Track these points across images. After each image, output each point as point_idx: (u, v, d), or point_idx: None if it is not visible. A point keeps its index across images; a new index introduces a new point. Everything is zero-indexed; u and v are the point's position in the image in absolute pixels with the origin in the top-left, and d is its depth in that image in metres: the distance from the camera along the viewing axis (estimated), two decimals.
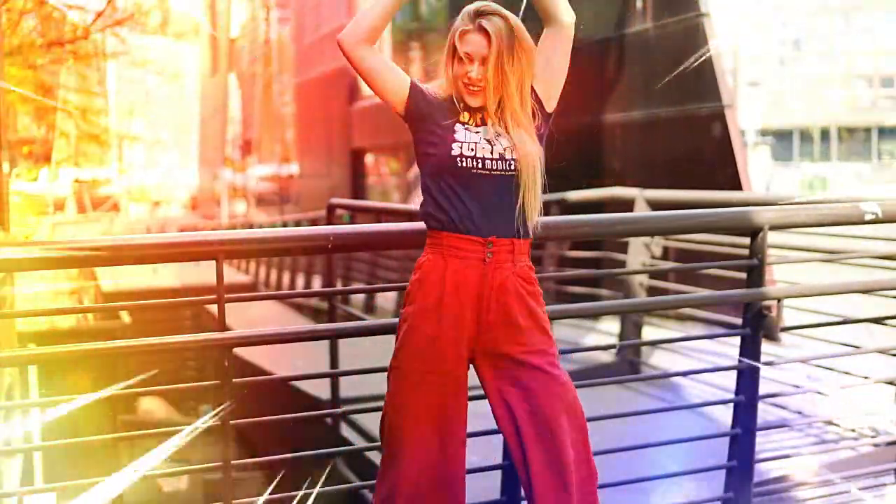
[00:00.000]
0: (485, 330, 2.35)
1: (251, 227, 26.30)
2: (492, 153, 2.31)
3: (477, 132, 2.34)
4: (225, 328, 2.76)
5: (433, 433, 2.36)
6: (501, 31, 2.32)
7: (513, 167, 2.31)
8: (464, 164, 2.31)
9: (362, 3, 24.35)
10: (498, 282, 2.33)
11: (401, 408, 2.39)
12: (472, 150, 2.31)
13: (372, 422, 4.92)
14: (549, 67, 2.43)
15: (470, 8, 2.38)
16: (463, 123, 2.36)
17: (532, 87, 2.39)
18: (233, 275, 16.31)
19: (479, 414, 2.54)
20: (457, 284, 2.33)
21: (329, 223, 5.79)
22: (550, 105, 2.45)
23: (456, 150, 2.31)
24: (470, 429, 2.47)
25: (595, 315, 6.69)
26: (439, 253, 2.35)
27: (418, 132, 2.40)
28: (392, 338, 2.58)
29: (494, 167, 2.31)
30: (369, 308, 10.25)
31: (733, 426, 3.45)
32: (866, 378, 4.28)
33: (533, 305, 2.36)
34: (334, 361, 4.82)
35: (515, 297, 2.34)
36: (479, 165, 2.31)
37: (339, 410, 4.19)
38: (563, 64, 2.46)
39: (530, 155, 2.32)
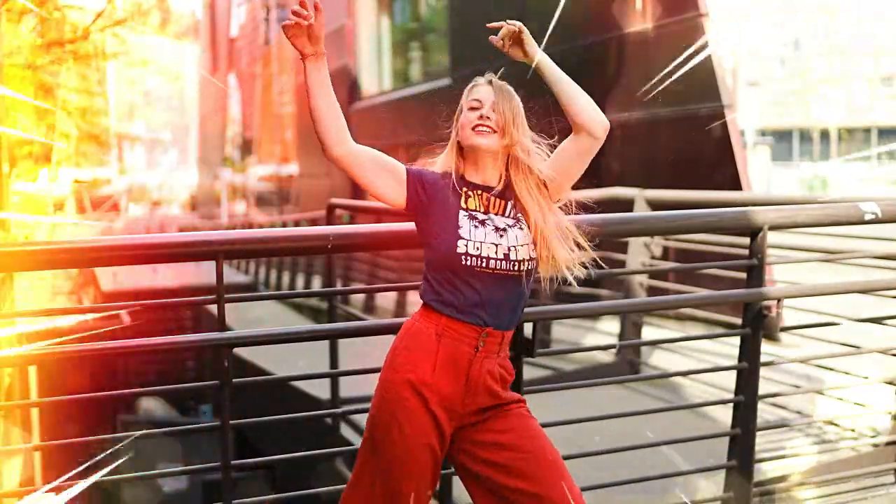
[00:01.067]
0: (467, 412, 2.36)
1: (251, 227, 26.30)
2: (496, 252, 2.31)
3: (483, 221, 2.35)
4: (225, 328, 2.76)
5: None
6: (510, 91, 2.41)
7: (517, 267, 2.32)
8: (468, 262, 2.31)
9: (361, 2, 24.35)
10: (485, 370, 2.36)
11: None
12: (478, 248, 2.31)
13: None
14: (563, 172, 2.45)
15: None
16: (467, 211, 2.35)
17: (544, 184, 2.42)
18: (232, 275, 16.31)
19: None
20: (447, 364, 2.34)
21: (329, 223, 5.79)
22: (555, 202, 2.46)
23: (461, 248, 2.31)
24: None
25: (595, 315, 6.70)
26: (433, 326, 2.35)
27: (421, 224, 2.42)
28: (391, 338, 2.58)
29: (499, 267, 2.31)
30: (369, 308, 10.25)
31: (733, 426, 3.45)
32: (866, 378, 4.28)
33: (501, 389, 2.40)
34: (334, 362, 4.82)
35: (499, 383, 2.38)
36: (484, 265, 2.31)
37: (338, 410, 4.19)
38: (579, 173, 2.48)
39: (546, 226, 2.37)
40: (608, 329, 7.18)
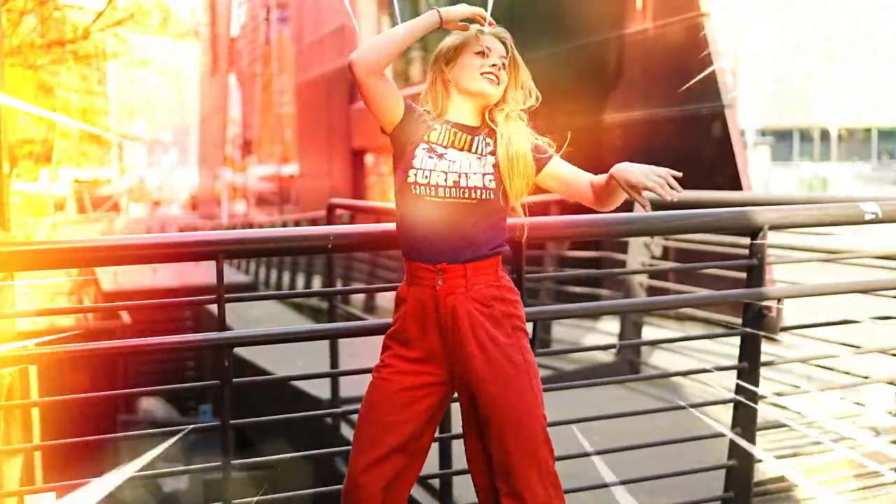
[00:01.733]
0: (450, 353, 2.36)
1: (251, 226, 26.30)
2: (445, 180, 2.31)
3: (441, 155, 2.35)
4: (225, 328, 2.76)
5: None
6: (514, 48, 2.45)
7: (467, 195, 2.30)
8: (416, 191, 2.32)
9: (362, 3, 24.35)
10: (450, 308, 2.33)
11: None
12: (426, 177, 2.31)
13: None
14: (551, 177, 2.46)
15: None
16: (428, 143, 2.37)
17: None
18: (232, 275, 16.31)
19: None
20: (415, 310, 2.36)
21: (329, 223, 5.80)
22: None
23: (411, 178, 2.33)
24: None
25: (595, 315, 6.70)
26: (407, 276, 2.42)
27: (395, 148, 2.43)
28: None
29: (448, 195, 2.30)
30: (369, 308, 10.25)
31: (733, 426, 3.45)
32: (866, 378, 4.28)
33: (492, 331, 2.33)
34: (334, 361, 4.82)
35: (468, 323, 2.32)
36: (432, 193, 2.31)
37: (339, 410, 4.19)
38: (550, 190, 2.52)
39: (517, 148, 2.36)
40: (608, 329, 7.18)
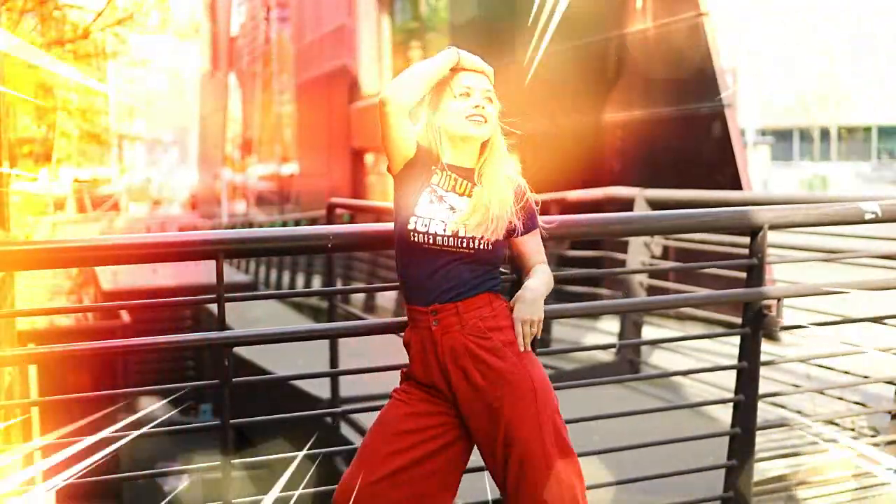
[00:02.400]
0: (455, 390, 2.34)
1: (251, 226, 26.29)
2: (444, 229, 2.30)
3: (441, 197, 2.35)
4: (225, 327, 2.77)
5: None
6: (492, 79, 2.45)
7: (464, 244, 2.30)
8: (416, 238, 2.32)
9: (362, 2, 24.34)
10: (448, 347, 2.32)
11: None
12: (426, 225, 2.31)
13: (371, 421, 4.94)
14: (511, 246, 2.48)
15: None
16: (430, 186, 2.36)
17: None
18: (232, 274, 16.31)
19: None
20: (417, 353, 2.38)
21: (329, 223, 5.79)
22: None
23: (412, 225, 2.32)
24: None
25: (595, 314, 6.70)
26: (409, 320, 2.44)
27: (398, 188, 2.42)
28: (391, 337, 2.58)
29: (446, 243, 2.31)
30: (369, 307, 10.25)
31: (733, 425, 3.45)
32: (866, 377, 4.28)
33: (491, 361, 2.31)
34: (334, 361, 4.83)
35: (468, 358, 2.31)
36: (430, 241, 2.31)
37: (338, 410, 4.19)
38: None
39: (501, 203, 2.35)
40: (608, 328, 7.18)
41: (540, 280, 2.40)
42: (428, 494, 2.33)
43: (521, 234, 2.42)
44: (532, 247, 2.46)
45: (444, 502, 2.36)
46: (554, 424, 2.31)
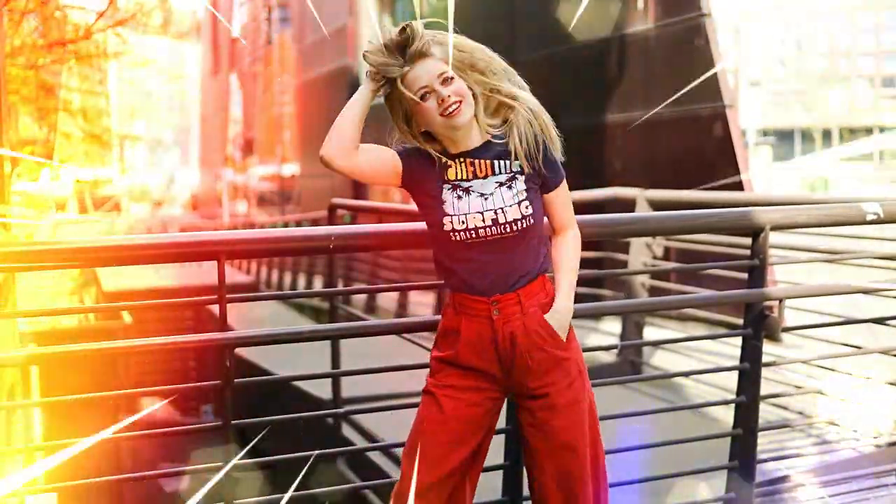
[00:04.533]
0: (509, 375, 2.35)
1: (252, 227, 26.28)
2: (483, 220, 2.26)
3: (468, 189, 2.28)
4: (226, 328, 2.76)
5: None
6: (443, 37, 2.28)
7: (508, 229, 2.26)
8: (457, 237, 2.28)
9: (363, 2, 24.34)
10: (508, 333, 2.31)
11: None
12: (464, 222, 2.26)
13: (373, 422, 4.94)
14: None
15: (382, 46, 2.31)
16: (450, 183, 2.30)
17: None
18: (234, 275, 16.31)
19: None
20: (470, 341, 2.33)
21: (330, 223, 5.79)
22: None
23: (448, 226, 2.27)
24: None
25: (596, 315, 6.69)
26: (454, 307, 2.37)
27: (415, 198, 2.38)
28: (392, 338, 2.58)
29: (489, 233, 2.26)
30: (370, 308, 10.25)
31: (735, 426, 3.45)
32: (868, 378, 4.27)
33: (549, 348, 2.34)
34: (335, 362, 4.82)
35: (528, 345, 2.32)
36: (473, 236, 2.27)
37: (340, 411, 4.18)
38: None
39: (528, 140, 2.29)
40: (610, 329, 7.17)
41: (566, 296, 2.37)
42: (474, 472, 2.42)
43: (549, 190, 2.36)
44: (559, 204, 2.39)
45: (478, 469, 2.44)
46: (592, 410, 2.41)
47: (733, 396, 3.46)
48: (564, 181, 2.39)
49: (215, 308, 2.77)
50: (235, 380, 2.78)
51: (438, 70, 2.25)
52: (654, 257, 6.39)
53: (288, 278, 14.31)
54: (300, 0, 33.08)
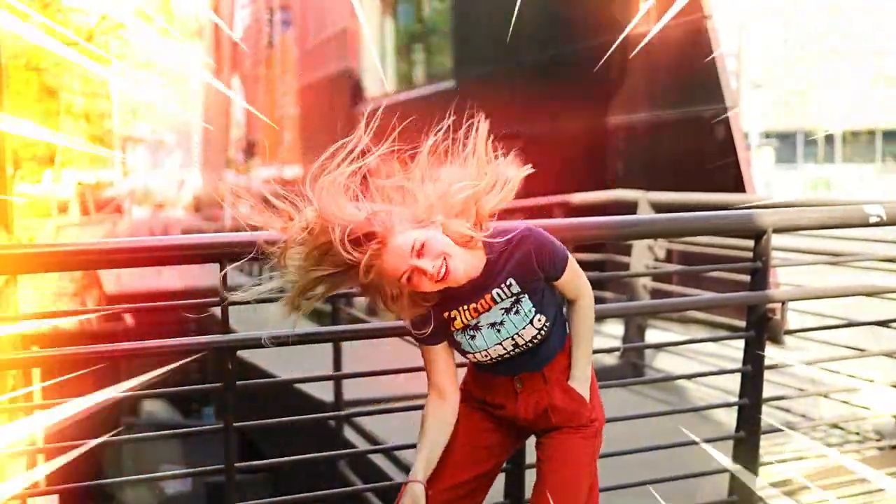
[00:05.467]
0: (524, 423, 2.36)
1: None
2: (504, 348, 2.23)
3: (477, 326, 2.22)
4: (228, 331, 2.76)
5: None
6: (398, 216, 2.04)
7: (529, 344, 2.22)
8: (486, 365, 2.28)
9: (365, 5, 24.34)
10: (533, 403, 2.31)
11: None
12: (486, 355, 2.24)
13: (374, 425, 4.94)
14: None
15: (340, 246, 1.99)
16: (459, 331, 2.24)
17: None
18: (235, 277, 16.29)
19: None
20: (494, 403, 2.34)
21: None
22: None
23: (471, 358, 2.28)
24: None
25: (598, 318, 6.68)
26: (473, 376, 2.37)
27: None
28: (395, 340, 2.57)
29: (511, 353, 2.25)
30: (372, 310, 10.23)
31: (737, 429, 3.44)
32: (871, 381, 4.27)
33: (570, 406, 2.32)
34: (338, 364, 4.82)
35: (549, 405, 2.31)
36: (497, 360, 2.26)
37: (342, 413, 4.18)
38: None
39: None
40: (611, 331, 7.16)
41: (584, 366, 2.33)
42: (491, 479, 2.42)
43: (556, 279, 2.26)
44: (567, 282, 2.28)
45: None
46: (592, 463, 2.37)
47: (736, 399, 3.46)
48: (569, 260, 2.26)
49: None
50: (237, 382, 2.78)
51: (408, 247, 2.01)
52: (657, 259, 6.38)
53: None
54: (302, 2, 33.10)
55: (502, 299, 2.19)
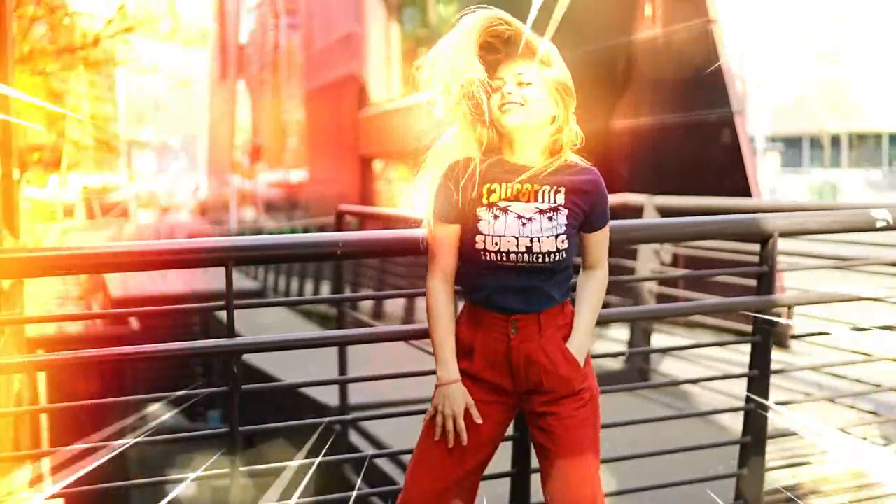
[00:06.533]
0: (520, 392, 2.33)
1: (260, 233, 26.33)
2: (517, 245, 2.21)
3: (505, 209, 2.24)
4: (234, 334, 2.76)
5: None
6: (535, 48, 2.24)
7: (540, 259, 2.22)
8: (487, 258, 2.24)
9: (370, 10, 24.40)
10: (524, 354, 2.29)
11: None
12: (496, 244, 2.22)
13: (379, 428, 4.94)
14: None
15: (477, 24, 2.23)
16: (488, 201, 2.25)
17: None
18: (241, 281, 16.33)
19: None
20: (485, 355, 2.32)
21: (338, 229, 5.79)
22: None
23: (479, 244, 2.23)
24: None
25: (604, 322, 6.68)
26: (469, 321, 2.35)
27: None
28: (400, 344, 2.57)
29: (520, 259, 2.22)
30: (377, 314, 10.25)
31: (744, 434, 3.43)
32: (878, 386, 4.26)
33: (563, 369, 2.31)
34: (343, 368, 4.82)
35: (542, 364, 2.29)
36: (504, 259, 2.23)
37: (347, 417, 4.18)
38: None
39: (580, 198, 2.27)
40: (617, 336, 7.16)
41: (585, 332, 2.35)
42: (477, 480, 2.40)
43: (591, 231, 2.34)
44: (596, 244, 2.37)
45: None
46: (596, 436, 2.36)
47: (742, 404, 3.45)
48: (608, 226, 2.37)
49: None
50: (243, 386, 2.78)
51: (519, 70, 2.24)
52: (662, 264, 6.37)
53: (295, 284, 14.33)
54: (308, 7, 33.18)
55: (544, 199, 2.24)
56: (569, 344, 2.32)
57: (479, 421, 2.30)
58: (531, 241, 2.22)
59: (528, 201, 2.24)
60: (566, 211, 2.25)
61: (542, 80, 2.25)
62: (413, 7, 23.90)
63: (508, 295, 2.27)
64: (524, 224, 2.23)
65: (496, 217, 2.23)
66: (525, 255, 2.22)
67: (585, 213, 2.28)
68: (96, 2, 16.13)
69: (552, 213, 2.24)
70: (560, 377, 2.30)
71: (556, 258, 2.23)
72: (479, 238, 2.23)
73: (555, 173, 2.27)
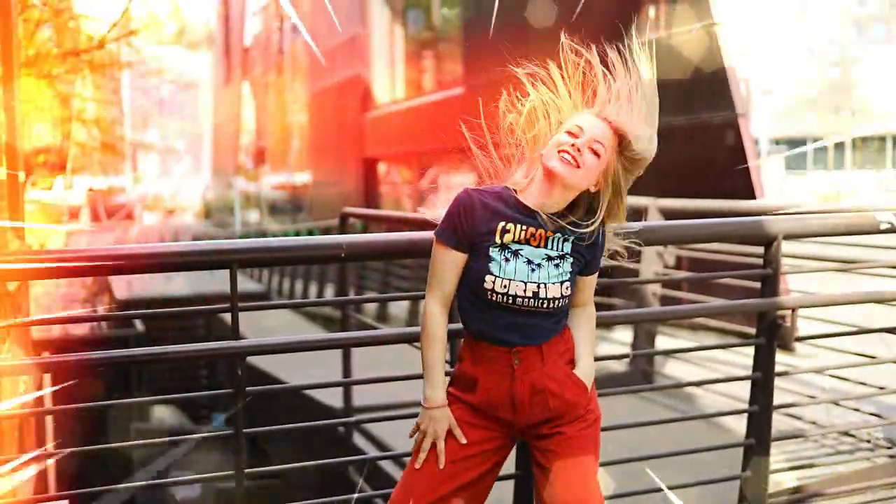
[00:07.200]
0: (522, 425, 2.34)
1: (264, 235, 26.35)
2: (524, 290, 2.24)
3: (516, 252, 2.26)
4: (238, 336, 2.77)
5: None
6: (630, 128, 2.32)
7: (545, 305, 2.25)
8: (494, 298, 2.25)
9: (375, 12, 24.42)
10: (529, 383, 2.30)
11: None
12: (505, 287, 2.23)
13: (384, 431, 4.94)
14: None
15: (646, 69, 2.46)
16: (501, 243, 2.25)
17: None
18: (245, 283, 16.35)
19: None
20: (488, 390, 2.33)
21: (342, 232, 5.80)
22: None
23: (488, 284, 2.25)
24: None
25: (608, 324, 6.68)
26: (471, 353, 2.36)
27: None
28: (404, 347, 2.57)
29: (526, 304, 2.25)
30: (382, 317, 10.26)
31: (747, 436, 3.43)
32: (882, 388, 4.25)
33: (567, 394, 2.33)
34: (347, 370, 4.83)
35: (546, 392, 2.31)
36: (510, 302, 2.25)
37: (351, 419, 4.18)
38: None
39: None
40: (621, 338, 7.15)
41: (587, 367, 2.39)
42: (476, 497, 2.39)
43: (588, 275, 2.39)
44: (589, 285, 2.43)
45: None
46: (597, 457, 2.38)
47: (746, 406, 3.45)
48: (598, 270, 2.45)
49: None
50: (247, 388, 2.78)
51: (600, 138, 2.27)
52: (666, 266, 6.37)
53: (299, 286, 14.34)
54: (312, 9, 33.20)
55: (553, 247, 2.28)
56: (577, 370, 2.36)
57: (464, 441, 2.32)
58: (538, 286, 2.25)
59: (539, 246, 2.27)
60: (571, 259, 2.30)
61: (609, 162, 2.29)
62: (417, 9, 23.91)
63: (511, 331, 2.29)
64: (533, 270, 2.26)
65: (507, 260, 2.25)
66: (531, 300, 2.25)
67: (587, 261, 2.35)
68: (101, 5, 16.17)
69: (559, 260, 2.28)
70: (567, 401, 2.33)
71: (560, 304, 2.28)
72: (488, 278, 2.25)
73: (564, 219, 2.29)
